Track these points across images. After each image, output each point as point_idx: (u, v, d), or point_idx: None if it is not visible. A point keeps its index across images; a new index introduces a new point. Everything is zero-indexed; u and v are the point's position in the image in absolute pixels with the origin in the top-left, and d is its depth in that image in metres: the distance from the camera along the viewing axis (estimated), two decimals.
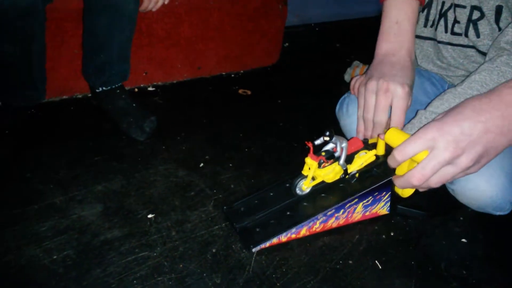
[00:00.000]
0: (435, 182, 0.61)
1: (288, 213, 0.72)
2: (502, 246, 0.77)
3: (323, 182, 0.73)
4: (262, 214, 0.72)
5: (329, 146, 0.70)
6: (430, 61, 0.93)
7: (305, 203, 0.73)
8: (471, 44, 0.83)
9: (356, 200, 0.72)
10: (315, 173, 0.70)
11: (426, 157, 0.61)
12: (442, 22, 0.86)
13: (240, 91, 1.26)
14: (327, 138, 0.67)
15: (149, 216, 0.74)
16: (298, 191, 0.72)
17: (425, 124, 0.64)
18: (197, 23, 1.24)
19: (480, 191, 0.74)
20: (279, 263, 0.67)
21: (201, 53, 1.29)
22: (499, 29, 0.78)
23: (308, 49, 1.70)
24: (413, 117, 0.76)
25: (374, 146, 0.76)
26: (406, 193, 0.78)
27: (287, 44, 1.65)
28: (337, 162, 0.71)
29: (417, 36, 0.92)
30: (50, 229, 0.70)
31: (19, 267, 0.63)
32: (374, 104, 0.76)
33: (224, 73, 1.37)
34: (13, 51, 0.87)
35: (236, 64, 1.39)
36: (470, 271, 0.70)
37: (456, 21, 0.83)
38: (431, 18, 0.89)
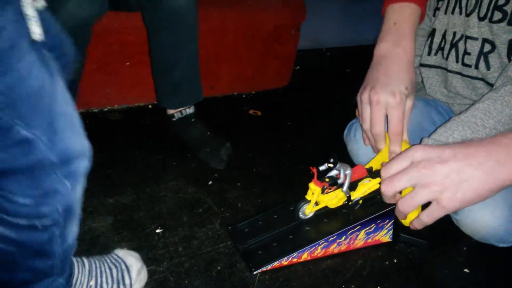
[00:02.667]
0: (426, 218, 0.63)
1: (290, 236, 0.73)
2: (504, 277, 0.77)
3: (326, 207, 0.74)
4: (265, 237, 0.73)
5: (333, 173, 0.71)
6: (438, 90, 0.95)
7: (307, 228, 0.74)
8: (480, 76, 0.85)
9: (358, 227, 0.73)
10: (318, 198, 0.72)
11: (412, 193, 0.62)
12: (453, 52, 0.88)
13: (251, 111, 1.29)
14: (331, 165, 0.68)
15: (157, 231, 0.76)
16: (301, 215, 0.74)
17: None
18: (212, 44, 1.28)
19: (484, 222, 0.75)
20: (282, 284, 0.68)
21: (215, 73, 1.33)
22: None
23: (319, 73, 1.74)
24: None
25: (378, 174, 0.77)
26: (409, 221, 0.79)
27: (298, 67, 1.68)
28: (340, 189, 0.73)
29: (423, 65, 0.94)
30: None
31: None
32: (369, 115, 0.77)
33: (235, 93, 1.40)
34: None
35: (248, 85, 1.42)
36: None
37: (466, 53, 0.85)
38: (434, 46, 0.91)
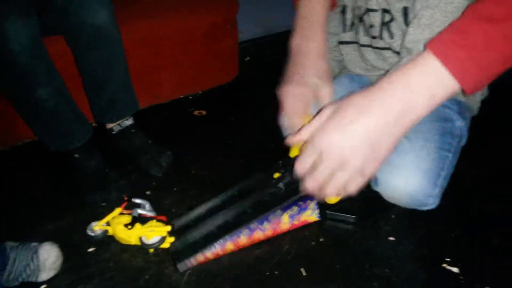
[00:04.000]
0: (330, 189, 0.65)
1: (215, 230, 0.76)
2: (428, 242, 0.79)
3: None
4: (191, 234, 0.76)
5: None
6: (356, 65, 0.97)
7: (229, 219, 0.77)
8: (387, 46, 0.87)
9: (279, 211, 0.76)
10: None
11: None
12: (361, 26, 0.90)
13: (196, 112, 1.32)
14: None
15: (90, 249, 0.80)
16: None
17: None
18: (149, 53, 1.30)
19: (402, 190, 0.78)
20: (207, 280, 0.71)
21: (157, 82, 1.35)
22: None
23: (271, 61, 1.74)
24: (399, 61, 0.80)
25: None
26: (332, 198, 0.82)
27: (248, 58, 1.69)
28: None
29: (341, 42, 0.96)
30: None
31: None
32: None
33: (182, 96, 1.42)
34: (47, 94, 0.92)
35: (193, 86, 1.44)
36: (392, 269, 0.73)
37: (371, 25, 0.87)
38: (347, 23, 0.93)
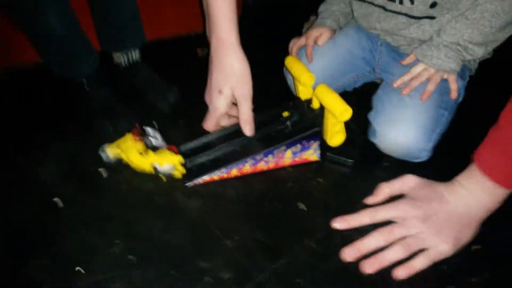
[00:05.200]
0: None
1: (222, 156, 0.81)
2: None
3: None
4: (202, 157, 0.81)
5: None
6: (365, 21, 0.98)
7: (239, 149, 0.82)
8: (403, 11, 0.87)
9: (283, 147, 0.81)
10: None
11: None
12: None
13: (198, 50, 1.31)
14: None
15: (104, 175, 0.84)
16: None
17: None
18: None
19: (398, 143, 0.83)
20: (214, 208, 0.77)
21: (161, 15, 1.33)
22: None
23: (273, 2, 1.72)
24: (428, 41, 0.85)
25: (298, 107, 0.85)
26: (334, 142, 0.87)
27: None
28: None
29: None
30: None
31: None
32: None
33: (184, 34, 1.40)
34: (56, 20, 0.90)
35: (196, 23, 1.41)
36: None
37: None
38: None
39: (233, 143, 0.82)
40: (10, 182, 0.82)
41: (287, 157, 0.83)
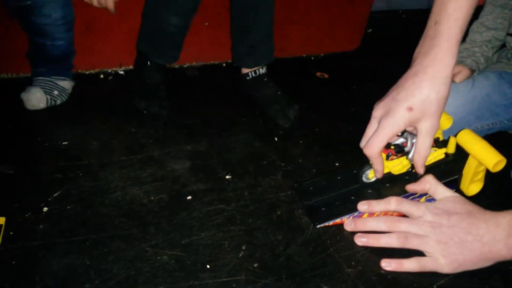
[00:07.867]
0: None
1: (352, 197, 0.77)
2: None
3: (389, 173, 0.78)
4: (329, 195, 0.79)
5: (400, 141, 0.74)
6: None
7: (369, 191, 0.78)
8: None
9: (418, 194, 0.77)
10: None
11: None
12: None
13: (318, 74, 1.34)
14: (398, 133, 0.71)
15: (227, 176, 0.87)
16: (364, 179, 0.78)
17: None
18: (284, 5, 1.32)
19: None
20: (335, 232, 0.76)
21: (285, 35, 1.38)
22: None
23: (392, 37, 1.70)
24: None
25: (445, 144, 0.79)
26: (472, 191, 0.82)
27: (370, 30, 1.66)
28: (405, 156, 0.75)
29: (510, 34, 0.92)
30: (149, 176, 0.87)
31: (125, 202, 0.80)
32: None
33: (304, 55, 1.44)
34: (177, 23, 1.05)
35: (317, 47, 1.45)
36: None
37: None
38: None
39: (358, 184, 0.79)
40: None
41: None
